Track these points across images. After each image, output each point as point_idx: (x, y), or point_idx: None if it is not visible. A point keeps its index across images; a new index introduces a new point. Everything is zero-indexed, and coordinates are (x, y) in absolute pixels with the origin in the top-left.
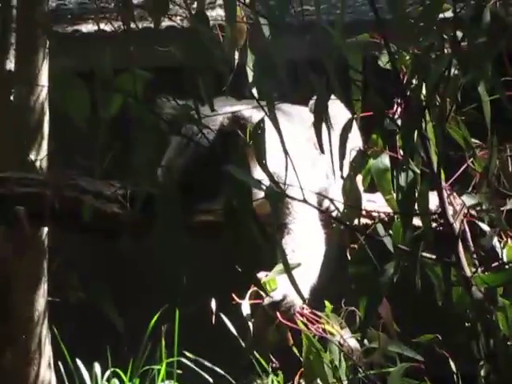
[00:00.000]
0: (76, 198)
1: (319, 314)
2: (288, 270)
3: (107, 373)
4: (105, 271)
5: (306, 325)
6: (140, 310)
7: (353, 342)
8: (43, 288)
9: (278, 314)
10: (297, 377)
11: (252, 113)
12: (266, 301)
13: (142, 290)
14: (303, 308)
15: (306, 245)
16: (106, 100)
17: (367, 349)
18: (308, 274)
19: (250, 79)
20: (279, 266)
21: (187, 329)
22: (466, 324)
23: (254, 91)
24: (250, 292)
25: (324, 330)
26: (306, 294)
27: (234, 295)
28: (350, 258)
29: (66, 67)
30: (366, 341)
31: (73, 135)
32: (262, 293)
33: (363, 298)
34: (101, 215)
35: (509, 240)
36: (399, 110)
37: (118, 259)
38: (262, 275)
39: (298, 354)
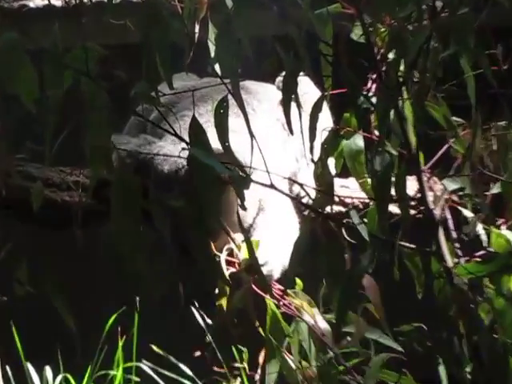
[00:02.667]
0: (24, 186)
1: (288, 291)
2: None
3: (59, 377)
4: (55, 264)
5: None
6: (95, 308)
7: (323, 324)
8: None
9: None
10: (260, 358)
11: None
12: (244, 263)
13: (97, 286)
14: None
15: (279, 223)
16: (56, 78)
17: (340, 333)
18: (282, 251)
19: (212, 54)
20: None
21: (148, 328)
22: (449, 317)
23: (217, 67)
24: (225, 248)
25: (291, 306)
26: (278, 273)
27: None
28: (322, 247)
29: (13, 43)
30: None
31: (20, 117)
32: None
33: (336, 290)
34: (51, 204)
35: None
36: (374, 86)
37: (70, 251)
38: (239, 237)
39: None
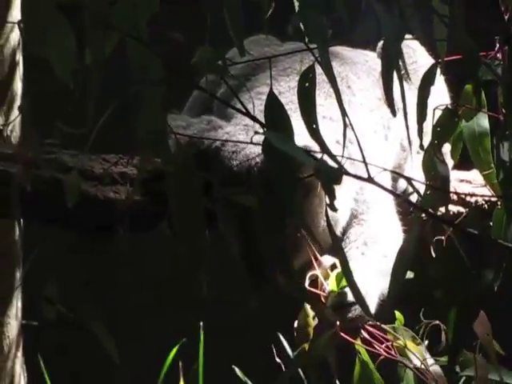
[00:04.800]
0: (55, 179)
1: (386, 327)
2: (353, 285)
3: None
4: (95, 280)
5: (367, 343)
6: (149, 335)
7: (435, 368)
8: (16, 307)
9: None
10: None
11: None
12: (334, 297)
13: (147, 306)
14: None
15: (383, 237)
16: (98, 42)
17: (458, 377)
18: (381, 274)
19: (296, 10)
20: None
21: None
22: None
23: (301, 27)
24: (309, 274)
25: (392, 348)
26: (374, 307)
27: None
28: (434, 257)
29: None
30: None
31: (54, 92)
32: (323, 283)
33: (452, 310)
34: (90, 201)
35: None
36: (500, 53)
37: (114, 262)
38: (327, 260)
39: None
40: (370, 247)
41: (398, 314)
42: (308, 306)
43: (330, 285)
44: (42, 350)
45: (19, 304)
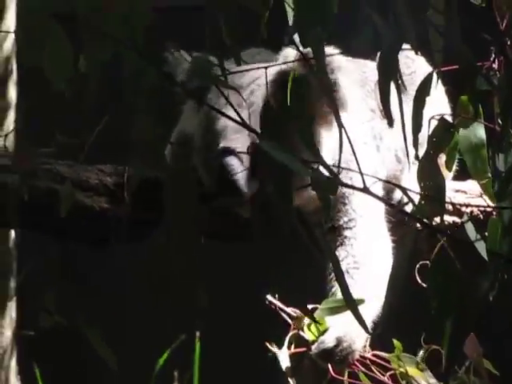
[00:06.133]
0: (51, 189)
1: (386, 355)
2: (352, 303)
3: None
4: (90, 287)
5: (368, 374)
6: (143, 341)
7: None
8: (10, 316)
9: (330, 366)
10: None
11: None
12: (315, 348)
13: (142, 313)
14: (365, 351)
15: (370, 257)
16: (93, 51)
17: None
18: (373, 299)
19: (291, 22)
20: (329, 302)
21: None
22: None
23: (296, 38)
24: (288, 336)
25: (395, 377)
26: (362, 341)
27: (267, 344)
28: (429, 268)
29: (41, 7)
30: None
31: (49, 102)
32: (305, 336)
33: (447, 322)
34: (85, 211)
35: None
36: (497, 63)
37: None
38: (305, 310)
39: None
40: (360, 270)
41: (396, 342)
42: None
43: (308, 335)
44: (37, 359)
45: (13, 314)
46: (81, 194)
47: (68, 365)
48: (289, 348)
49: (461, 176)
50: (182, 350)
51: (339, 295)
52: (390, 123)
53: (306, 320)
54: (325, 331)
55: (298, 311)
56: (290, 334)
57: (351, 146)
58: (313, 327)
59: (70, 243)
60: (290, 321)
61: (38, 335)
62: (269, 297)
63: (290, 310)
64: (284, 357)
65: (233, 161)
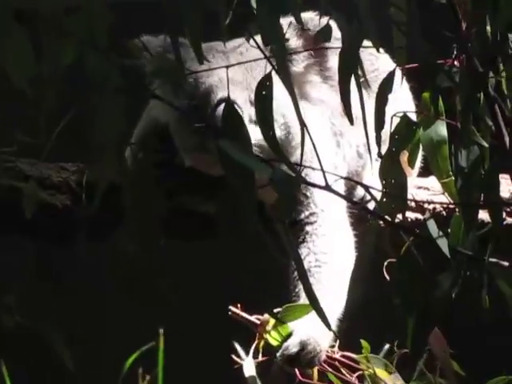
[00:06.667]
0: (14, 187)
1: (355, 356)
2: (315, 303)
3: None
4: (52, 286)
5: (338, 375)
6: (106, 341)
7: None
8: None
9: (297, 370)
10: None
11: None
12: (279, 355)
13: (105, 313)
14: (333, 351)
15: (332, 254)
16: (55, 50)
17: None
18: (336, 298)
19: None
20: (290, 307)
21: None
22: None
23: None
24: (254, 345)
25: (363, 378)
26: (327, 342)
27: (233, 356)
28: (392, 266)
29: (0, 5)
30: None
31: (10, 101)
32: (270, 341)
33: (411, 320)
34: (48, 209)
35: None
36: (458, 60)
37: (70, 269)
38: (266, 317)
39: None
40: (322, 268)
41: (364, 342)
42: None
43: (272, 341)
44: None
45: None
46: (43, 192)
47: (35, 364)
48: (255, 356)
49: (424, 173)
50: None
51: (303, 295)
52: (351, 121)
53: (270, 326)
54: (288, 336)
55: (261, 317)
56: (256, 342)
57: (313, 143)
58: (276, 333)
59: (34, 241)
60: (254, 329)
61: (4, 334)
62: (231, 307)
63: (253, 318)
64: (249, 366)
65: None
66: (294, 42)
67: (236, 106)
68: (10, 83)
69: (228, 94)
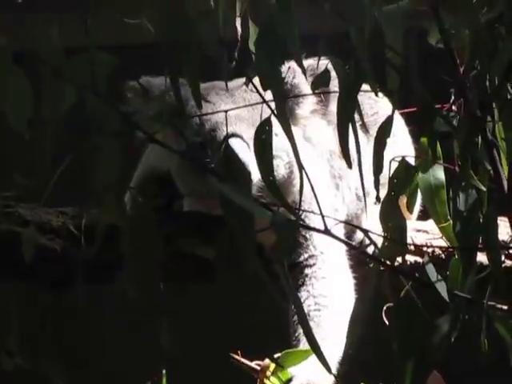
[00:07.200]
0: (12, 232)
1: None
2: (316, 346)
3: None
4: (53, 332)
5: None
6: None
7: None
8: None
9: None
10: None
11: None
12: None
13: (106, 359)
14: None
15: (331, 298)
16: (55, 94)
17: None
18: (335, 342)
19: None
20: (289, 352)
21: None
22: None
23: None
24: None
25: None
26: (333, 373)
27: None
28: (391, 310)
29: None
30: None
31: (9, 144)
32: None
33: (409, 364)
34: (47, 254)
35: None
36: (456, 104)
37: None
38: (266, 363)
39: None
40: (322, 311)
41: None
42: None
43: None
44: None
45: None
46: (43, 237)
47: None
48: None
49: (424, 215)
50: None
51: (303, 339)
52: (349, 165)
53: (270, 372)
54: (288, 381)
55: (261, 363)
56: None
57: (311, 185)
58: (276, 378)
59: (33, 285)
60: (255, 375)
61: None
62: (232, 354)
63: (254, 363)
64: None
65: (239, 142)
66: (304, 85)
67: (243, 141)
68: (9, 126)
69: (226, 133)
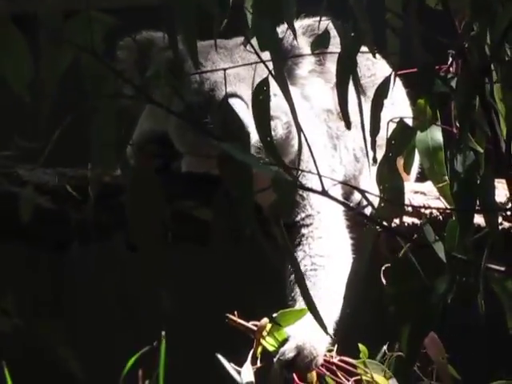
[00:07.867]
0: (11, 193)
1: (353, 361)
2: (313, 306)
3: None
4: (52, 294)
5: (336, 380)
6: (105, 348)
7: None
8: None
9: (294, 374)
10: None
11: None
12: (276, 361)
13: (106, 320)
14: (331, 356)
15: (328, 258)
16: (54, 56)
17: None
18: (332, 302)
19: (250, 24)
20: (285, 312)
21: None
22: None
23: (254, 40)
24: (251, 352)
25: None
26: (330, 333)
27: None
28: (388, 271)
29: None
30: None
31: (8, 106)
32: (267, 347)
33: (406, 326)
34: (46, 215)
35: None
36: (454, 66)
37: (70, 275)
38: (263, 323)
39: None
40: (318, 271)
41: (361, 346)
42: None
43: (269, 347)
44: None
45: None
46: (41, 198)
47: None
48: (254, 362)
49: (421, 177)
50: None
51: (299, 299)
52: (348, 126)
53: (266, 332)
54: (285, 341)
55: (258, 323)
56: (253, 349)
57: (309, 146)
58: (272, 338)
59: (29, 246)
60: (252, 335)
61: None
62: (228, 315)
63: (250, 324)
64: (247, 372)
65: (238, 103)
66: (304, 45)
67: (242, 101)
68: (8, 88)
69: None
